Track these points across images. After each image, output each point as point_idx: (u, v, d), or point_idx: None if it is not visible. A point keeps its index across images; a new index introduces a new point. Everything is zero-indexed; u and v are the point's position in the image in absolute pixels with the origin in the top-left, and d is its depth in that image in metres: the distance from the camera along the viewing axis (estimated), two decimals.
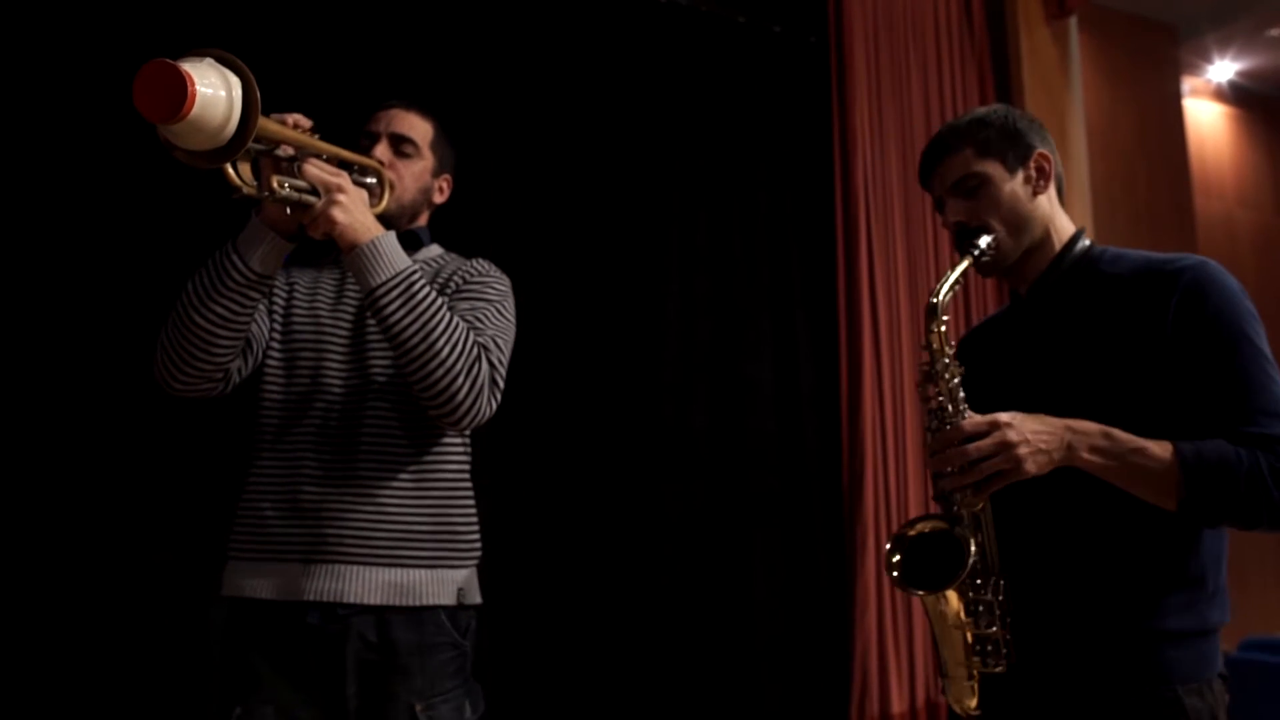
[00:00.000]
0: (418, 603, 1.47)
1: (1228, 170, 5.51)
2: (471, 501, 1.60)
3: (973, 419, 1.22)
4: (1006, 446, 1.17)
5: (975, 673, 1.24)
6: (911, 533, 1.28)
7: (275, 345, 1.57)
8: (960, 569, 1.20)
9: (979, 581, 1.24)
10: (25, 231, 2.21)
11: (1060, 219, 1.42)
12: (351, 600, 1.44)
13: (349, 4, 2.67)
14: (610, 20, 3.12)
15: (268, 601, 1.46)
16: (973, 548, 1.21)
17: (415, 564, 1.48)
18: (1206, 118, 5.46)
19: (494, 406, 1.47)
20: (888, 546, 1.28)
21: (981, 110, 1.43)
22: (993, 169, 1.37)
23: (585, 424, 2.88)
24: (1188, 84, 5.18)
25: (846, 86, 3.46)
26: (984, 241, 1.34)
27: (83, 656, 2.12)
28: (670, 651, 2.90)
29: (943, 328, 1.30)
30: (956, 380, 1.27)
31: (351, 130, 1.65)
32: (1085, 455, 1.19)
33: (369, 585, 1.45)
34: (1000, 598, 1.23)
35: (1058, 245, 1.40)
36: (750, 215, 3.34)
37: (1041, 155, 1.40)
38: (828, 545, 3.28)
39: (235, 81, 1.16)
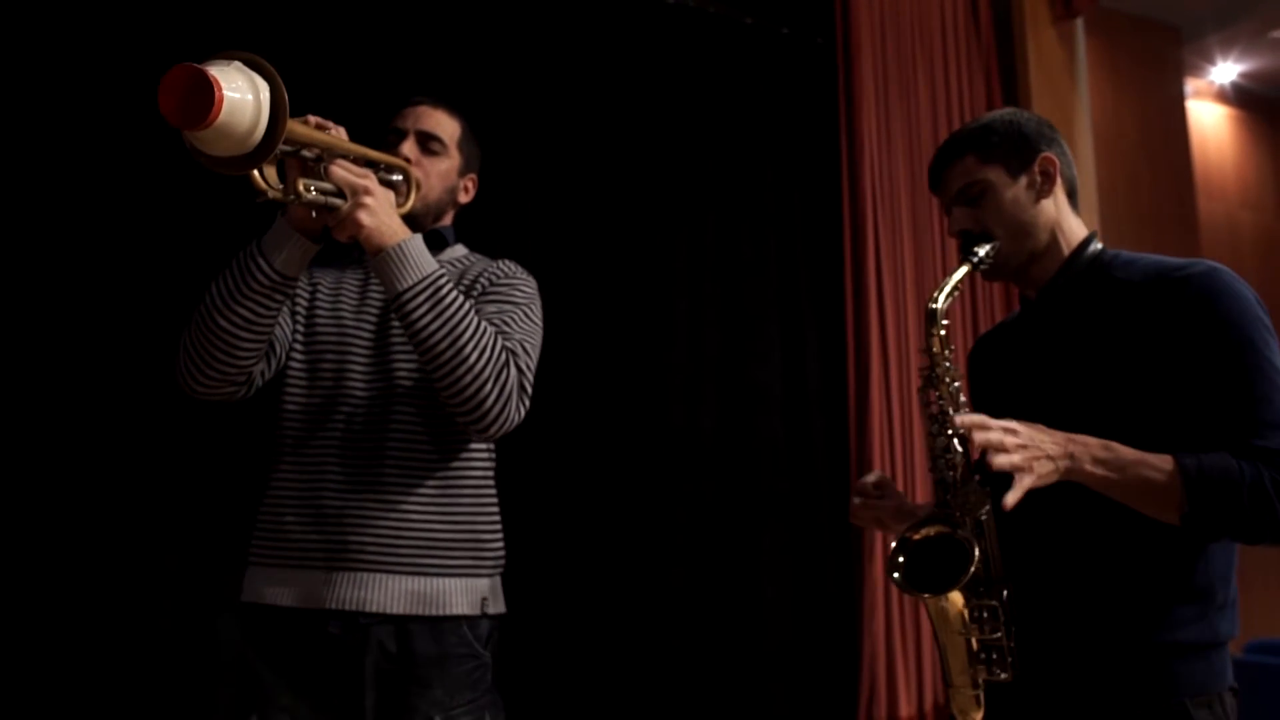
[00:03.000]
0: (441, 612, 1.45)
1: (1230, 172, 5.51)
2: (496, 509, 1.58)
3: (965, 416, 1.20)
4: (1022, 446, 1.14)
5: (980, 681, 1.24)
6: (916, 536, 1.26)
7: (298, 348, 1.55)
8: (964, 572, 1.18)
9: (982, 588, 1.24)
10: (44, 234, 2.20)
11: (1069, 222, 1.39)
12: (374, 609, 1.42)
13: (360, 3, 2.65)
14: (617, 22, 3.11)
15: (288, 609, 1.44)
16: (976, 551, 1.18)
17: (439, 573, 1.46)
18: (1209, 119, 5.47)
19: (522, 413, 1.45)
20: (892, 546, 1.27)
21: (990, 115, 1.42)
22: (995, 175, 1.36)
23: (596, 428, 2.87)
24: (1191, 85, 5.18)
25: (854, 88, 3.45)
26: (983, 250, 1.33)
27: (94, 662, 2.11)
28: (679, 654, 2.90)
29: (942, 332, 1.30)
30: (957, 384, 1.28)
31: (374, 128, 1.63)
32: (1088, 468, 1.16)
33: (391, 594, 1.43)
34: (1004, 605, 1.22)
35: (1066, 249, 1.38)
36: (758, 219, 3.33)
37: (1046, 159, 1.37)
38: (836, 548, 3.27)
39: (263, 85, 1.13)
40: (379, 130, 1.63)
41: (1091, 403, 1.26)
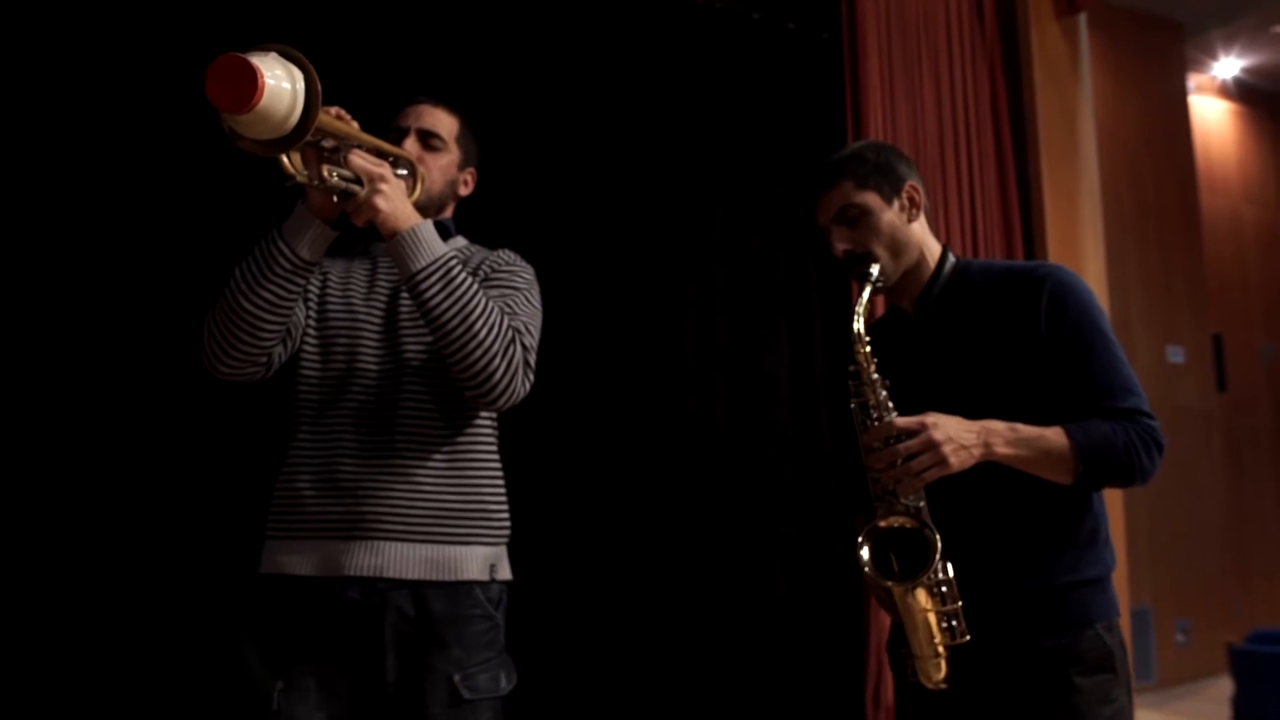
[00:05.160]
0: (453, 577, 1.52)
1: (1233, 166, 5.55)
2: (501, 481, 1.64)
3: (904, 418, 1.37)
4: (932, 445, 1.33)
5: (943, 648, 1.38)
6: (883, 524, 1.40)
7: (311, 331, 1.61)
8: (929, 560, 1.35)
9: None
10: (72, 224, 2.26)
11: (930, 240, 1.59)
12: (390, 575, 1.48)
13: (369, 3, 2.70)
14: (627, 17, 3.16)
15: (307, 578, 1.50)
16: (938, 540, 1.34)
17: (450, 540, 1.53)
18: (1212, 114, 5.50)
19: (527, 387, 1.52)
20: (858, 542, 1.41)
21: (857, 145, 1.59)
22: (871, 200, 1.52)
23: (608, 417, 2.92)
24: (1193, 80, 5.22)
25: (860, 82, 3.50)
26: (875, 270, 1.50)
27: (122, 640, 2.16)
28: (689, 638, 2.95)
29: (867, 349, 1.44)
30: (885, 394, 1.42)
31: (377, 126, 1.69)
32: (1000, 450, 1.37)
33: (407, 560, 1.49)
34: (950, 576, 1.38)
35: (932, 264, 1.57)
36: (766, 210, 3.38)
37: (912, 186, 1.56)
38: (843, 534, 3.31)
39: (298, 75, 1.20)
40: (382, 129, 1.70)
41: (982, 387, 1.46)
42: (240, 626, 2.21)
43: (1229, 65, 5.39)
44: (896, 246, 1.53)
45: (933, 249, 1.59)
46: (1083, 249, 4.00)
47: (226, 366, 1.50)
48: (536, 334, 1.60)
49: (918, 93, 3.66)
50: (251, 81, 1.12)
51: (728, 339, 3.21)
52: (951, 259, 1.58)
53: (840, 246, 1.53)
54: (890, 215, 1.53)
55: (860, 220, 1.52)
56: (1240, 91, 5.57)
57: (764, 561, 3.14)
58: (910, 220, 1.56)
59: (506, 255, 1.70)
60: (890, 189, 1.54)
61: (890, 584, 1.38)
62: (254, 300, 1.44)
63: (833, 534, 3.30)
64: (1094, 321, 1.45)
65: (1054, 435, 1.38)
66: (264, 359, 1.52)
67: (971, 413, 1.40)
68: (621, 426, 2.95)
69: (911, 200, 1.56)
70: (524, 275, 1.67)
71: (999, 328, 1.48)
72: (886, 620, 3.25)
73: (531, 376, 1.53)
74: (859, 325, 1.45)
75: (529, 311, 1.60)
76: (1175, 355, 4.50)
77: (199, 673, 2.19)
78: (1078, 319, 1.44)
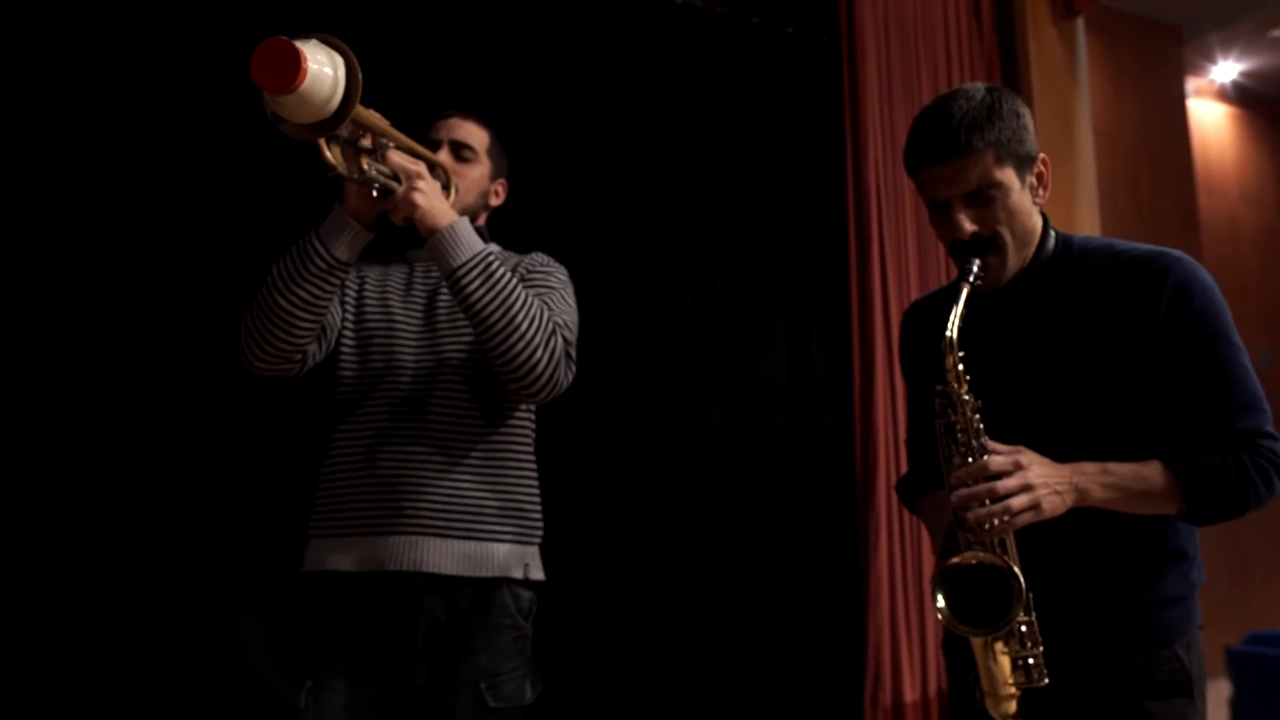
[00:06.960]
0: (490, 574, 1.54)
1: (1231, 170, 5.56)
2: (536, 480, 1.67)
3: (996, 457, 1.23)
4: (1029, 488, 1.21)
5: (1016, 689, 1.27)
6: (956, 560, 1.26)
7: (348, 332, 1.65)
8: (1010, 606, 1.22)
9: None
10: (118, 222, 2.29)
11: (1039, 219, 1.39)
12: (429, 570, 1.51)
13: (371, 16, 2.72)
14: (626, 22, 3.17)
15: (350, 574, 1.53)
16: (1023, 584, 1.21)
17: (487, 538, 1.56)
18: (1210, 118, 5.52)
19: (570, 378, 1.55)
20: (933, 578, 1.27)
21: (982, 95, 1.31)
22: (1009, 178, 1.30)
23: (605, 420, 2.92)
24: (1191, 84, 5.24)
25: (858, 86, 3.51)
26: (976, 266, 1.30)
27: (146, 642, 2.18)
28: (686, 641, 2.95)
29: (959, 365, 1.28)
30: (977, 416, 1.27)
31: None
32: (1096, 495, 1.25)
33: (446, 556, 1.52)
34: (1033, 618, 1.25)
35: (1035, 244, 1.37)
36: (764, 214, 3.39)
37: (1044, 160, 1.35)
38: (841, 537, 3.32)
39: (339, 60, 1.25)
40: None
41: (1076, 388, 1.31)
42: (253, 631, 2.23)
43: (1227, 69, 5.40)
44: (1025, 235, 1.33)
45: (1039, 226, 1.37)
46: None
47: (261, 362, 1.54)
48: (575, 328, 1.63)
49: (916, 96, 3.67)
50: (295, 63, 1.16)
51: (725, 341, 3.21)
52: (1053, 235, 1.38)
53: (969, 228, 1.30)
54: (1021, 196, 1.31)
55: (993, 202, 1.29)
56: (1238, 95, 5.58)
57: (761, 563, 3.14)
58: (1036, 201, 1.34)
59: (540, 258, 1.74)
60: (1024, 163, 1.31)
61: (969, 631, 1.24)
62: (289, 298, 1.48)
63: (830, 536, 3.30)
64: (1217, 325, 1.28)
65: (1152, 473, 1.25)
66: (298, 356, 1.56)
67: (1061, 412, 1.30)
68: (619, 429, 2.95)
69: (1040, 178, 1.34)
70: (559, 275, 1.70)
71: (1106, 322, 1.30)
72: (885, 622, 3.27)
73: (573, 368, 1.56)
74: (952, 333, 1.26)
75: (565, 309, 1.63)
76: None
77: (210, 677, 2.21)
78: (1200, 321, 1.27)
